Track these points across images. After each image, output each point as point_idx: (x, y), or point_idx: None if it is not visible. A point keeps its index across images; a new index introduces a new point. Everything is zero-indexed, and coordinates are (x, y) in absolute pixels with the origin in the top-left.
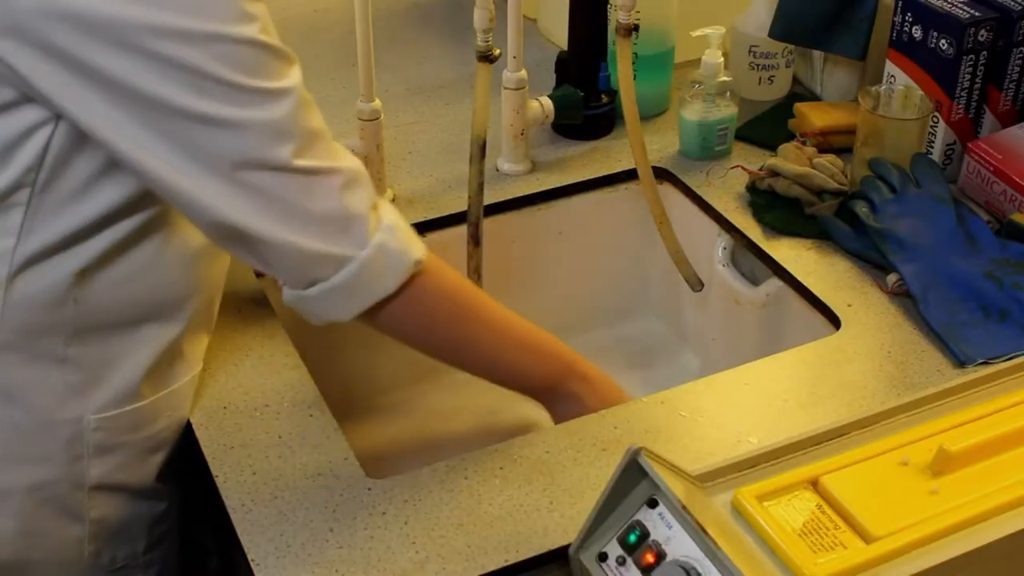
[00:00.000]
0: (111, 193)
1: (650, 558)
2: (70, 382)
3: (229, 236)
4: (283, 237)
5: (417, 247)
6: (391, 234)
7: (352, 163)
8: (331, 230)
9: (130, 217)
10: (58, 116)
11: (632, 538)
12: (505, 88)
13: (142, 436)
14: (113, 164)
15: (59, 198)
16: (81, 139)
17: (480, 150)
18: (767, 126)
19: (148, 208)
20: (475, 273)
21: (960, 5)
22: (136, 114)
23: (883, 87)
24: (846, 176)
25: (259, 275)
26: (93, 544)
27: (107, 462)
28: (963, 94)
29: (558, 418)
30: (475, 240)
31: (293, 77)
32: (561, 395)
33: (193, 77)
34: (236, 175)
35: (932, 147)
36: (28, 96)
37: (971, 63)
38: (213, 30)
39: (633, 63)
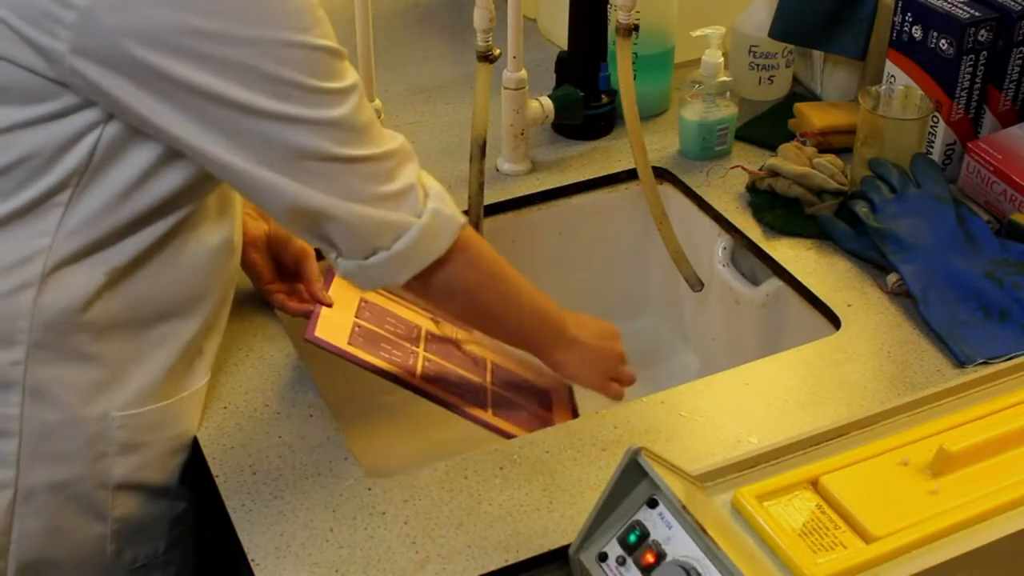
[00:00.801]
0: (146, 196)
1: (650, 558)
2: (96, 379)
3: (299, 218)
4: (350, 213)
5: (457, 211)
6: (441, 200)
7: (400, 142)
8: (392, 204)
9: (163, 219)
10: (107, 119)
11: (632, 538)
12: (505, 88)
13: (164, 436)
14: (151, 168)
15: (97, 201)
16: (124, 143)
17: (480, 150)
18: (767, 126)
19: (180, 210)
20: None
21: (960, 5)
22: (214, 118)
23: (883, 87)
24: (846, 176)
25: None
26: (115, 543)
27: (130, 461)
28: (963, 94)
29: (556, 371)
30: None
31: (351, 75)
32: (551, 362)
33: (270, 83)
34: (306, 165)
35: (932, 147)
36: (90, 101)
37: (971, 63)
38: (287, 38)
39: (633, 63)
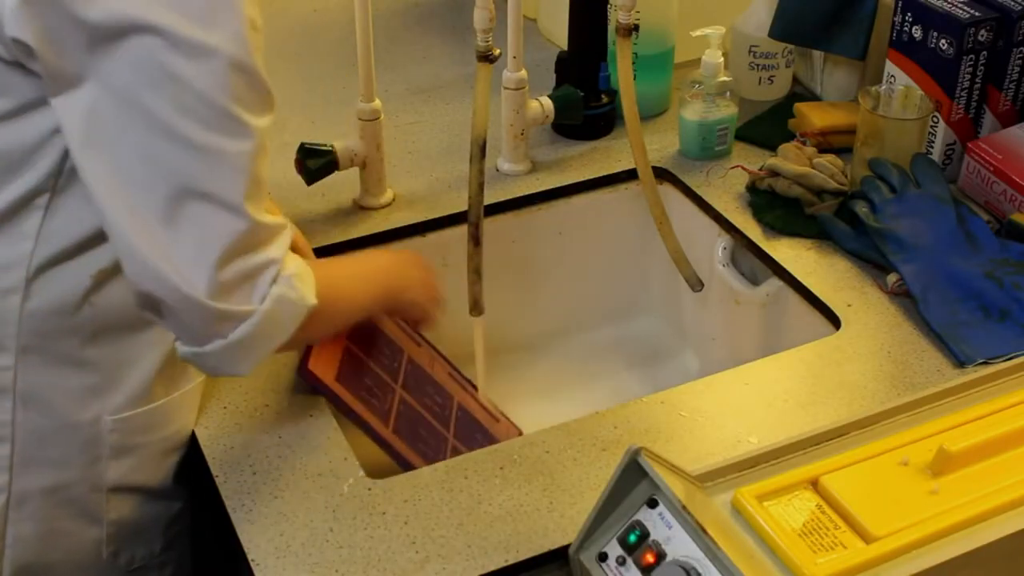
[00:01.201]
0: None
1: (650, 558)
2: (87, 384)
3: (142, 293)
4: (194, 294)
5: (310, 290)
6: (289, 285)
7: (281, 221)
8: (242, 286)
9: None
10: None
11: (632, 538)
12: (505, 88)
13: (158, 437)
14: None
15: (77, 202)
16: None
17: (480, 150)
18: (767, 126)
19: None
20: (475, 273)
21: (960, 5)
22: (105, 105)
23: (883, 87)
24: (846, 176)
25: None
26: (111, 545)
27: (124, 463)
28: (963, 94)
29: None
30: (475, 240)
31: (267, 120)
32: (397, 310)
33: (178, 90)
34: (179, 202)
35: (932, 147)
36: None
37: (971, 63)
38: (213, 45)
39: (633, 63)
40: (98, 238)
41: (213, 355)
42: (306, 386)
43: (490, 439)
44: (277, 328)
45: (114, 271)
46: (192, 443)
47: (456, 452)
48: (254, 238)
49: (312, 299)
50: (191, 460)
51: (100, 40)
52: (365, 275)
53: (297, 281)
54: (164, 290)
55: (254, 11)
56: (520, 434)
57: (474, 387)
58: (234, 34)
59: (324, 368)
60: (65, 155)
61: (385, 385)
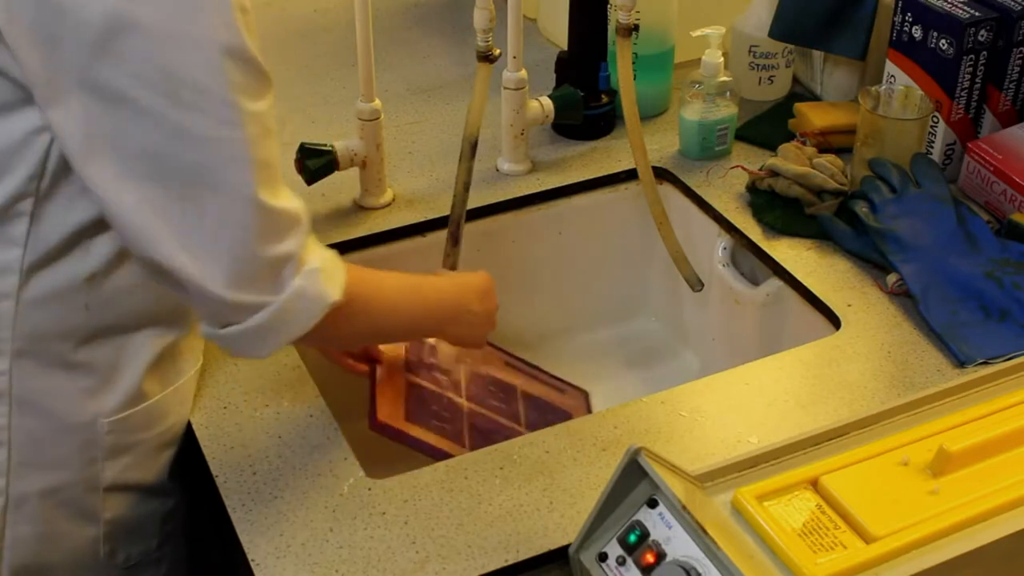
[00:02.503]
0: None
1: (650, 558)
2: (82, 387)
3: (154, 269)
4: (210, 285)
5: (335, 286)
6: (311, 279)
7: (298, 204)
8: (261, 277)
9: None
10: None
11: (632, 538)
12: (505, 88)
13: (154, 433)
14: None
15: (64, 206)
16: None
17: (471, 149)
18: (767, 126)
19: None
20: (451, 271)
21: (960, 5)
22: (100, 110)
23: (883, 87)
24: (846, 176)
25: None
26: (108, 544)
27: (120, 463)
28: (963, 94)
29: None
30: (454, 239)
31: (266, 102)
32: (447, 339)
33: (173, 85)
34: (190, 195)
35: (932, 147)
36: (28, 98)
37: (971, 63)
38: (202, 35)
39: (633, 63)
40: (88, 241)
41: (229, 338)
42: (306, 386)
43: (562, 415)
44: (294, 320)
45: (107, 273)
46: (186, 437)
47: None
48: (271, 225)
49: (335, 296)
50: (185, 455)
51: (89, 43)
52: (416, 289)
53: (322, 276)
54: (183, 281)
55: None
56: (586, 396)
57: (530, 365)
58: (223, 21)
59: (391, 411)
60: (46, 158)
61: (453, 405)
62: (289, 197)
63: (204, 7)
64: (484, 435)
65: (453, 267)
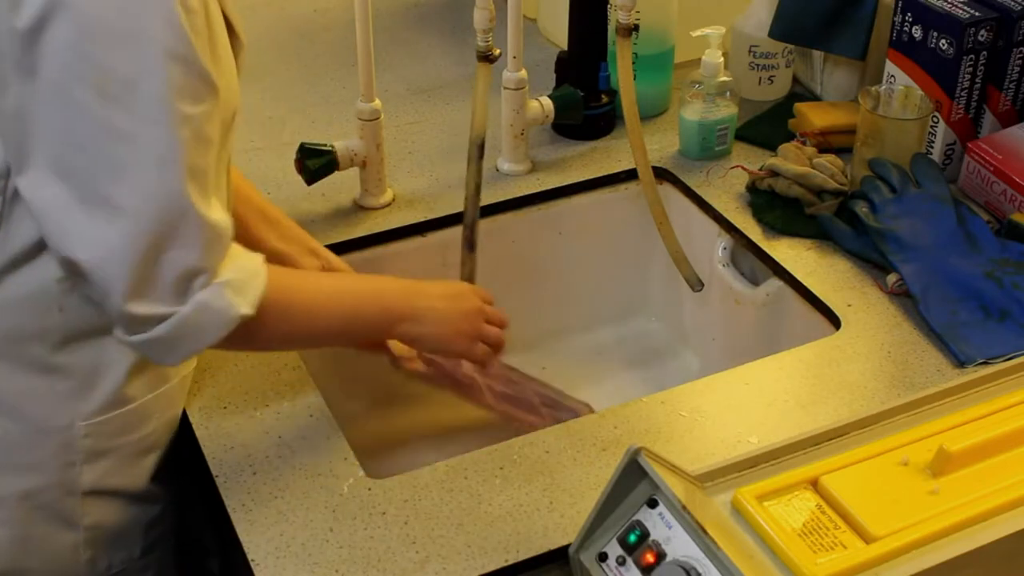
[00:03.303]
0: None
1: (650, 558)
2: (58, 390)
3: (70, 269)
4: (112, 292)
5: (244, 300)
6: (216, 292)
7: (225, 219)
8: (163, 287)
9: None
10: None
11: (632, 538)
12: (505, 88)
13: (134, 438)
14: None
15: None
16: None
17: (478, 151)
18: (767, 126)
19: None
20: (468, 279)
21: (960, 5)
22: (31, 99)
23: (883, 87)
24: (846, 176)
25: None
26: (89, 550)
27: (99, 467)
28: (963, 94)
29: (415, 348)
30: (470, 245)
31: (204, 107)
32: (407, 342)
33: (103, 78)
34: (110, 193)
35: (932, 147)
36: None
37: (971, 63)
38: (141, 32)
39: (633, 63)
40: None
41: (137, 345)
42: (306, 386)
43: (574, 412)
44: (199, 332)
45: None
46: (177, 441)
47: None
48: (189, 235)
49: (244, 310)
50: (175, 460)
51: (28, 28)
52: (353, 290)
53: (229, 290)
54: (90, 282)
55: None
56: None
57: (531, 378)
58: (164, 18)
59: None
60: (7, 162)
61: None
62: (218, 209)
63: (146, 3)
64: (509, 399)
65: (471, 275)
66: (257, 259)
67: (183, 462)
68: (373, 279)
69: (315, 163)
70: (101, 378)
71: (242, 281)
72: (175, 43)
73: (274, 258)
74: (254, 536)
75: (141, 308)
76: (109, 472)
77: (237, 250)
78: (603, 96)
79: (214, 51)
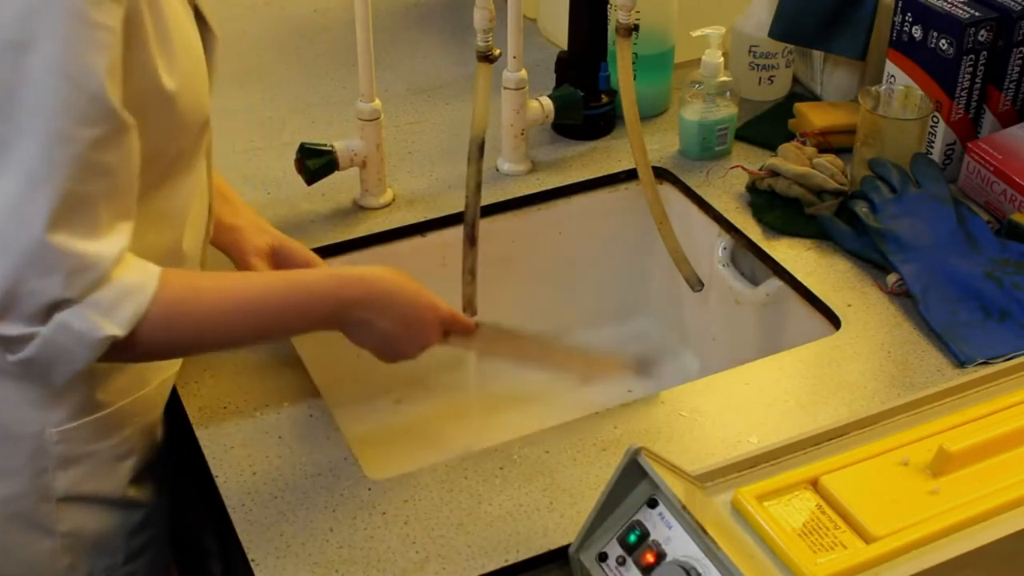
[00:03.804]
0: None
1: (650, 558)
2: (29, 397)
3: None
4: None
5: (112, 322)
6: (78, 314)
7: (102, 249)
8: (21, 309)
9: None
10: None
11: (632, 538)
12: (505, 88)
13: (109, 444)
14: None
15: None
16: None
17: (479, 150)
18: (767, 126)
19: None
20: (470, 274)
21: (960, 5)
22: None
23: (883, 87)
24: (846, 176)
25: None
26: (67, 557)
27: (73, 473)
28: (963, 94)
29: (356, 343)
30: (471, 241)
31: (95, 131)
32: (351, 324)
33: None
34: None
35: (932, 147)
36: None
37: (971, 63)
38: (32, 44)
39: (633, 63)
40: None
41: (17, 365)
42: (306, 385)
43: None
44: (67, 353)
45: None
46: (172, 445)
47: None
48: (49, 264)
49: (112, 331)
50: (166, 464)
51: None
52: (262, 296)
53: (93, 311)
54: None
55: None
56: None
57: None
58: (61, 33)
59: None
60: None
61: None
62: (94, 239)
63: (45, 17)
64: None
65: (472, 269)
66: (141, 276)
67: (182, 463)
68: (291, 277)
69: (315, 163)
70: (71, 384)
71: (111, 302)
72: (67, 60)
73: (229, 233)
74: (254, 536)
75: (5, 329)
76: (84, 478)
77: (123, 268)
78: (603, 96)
79: (166, 54)
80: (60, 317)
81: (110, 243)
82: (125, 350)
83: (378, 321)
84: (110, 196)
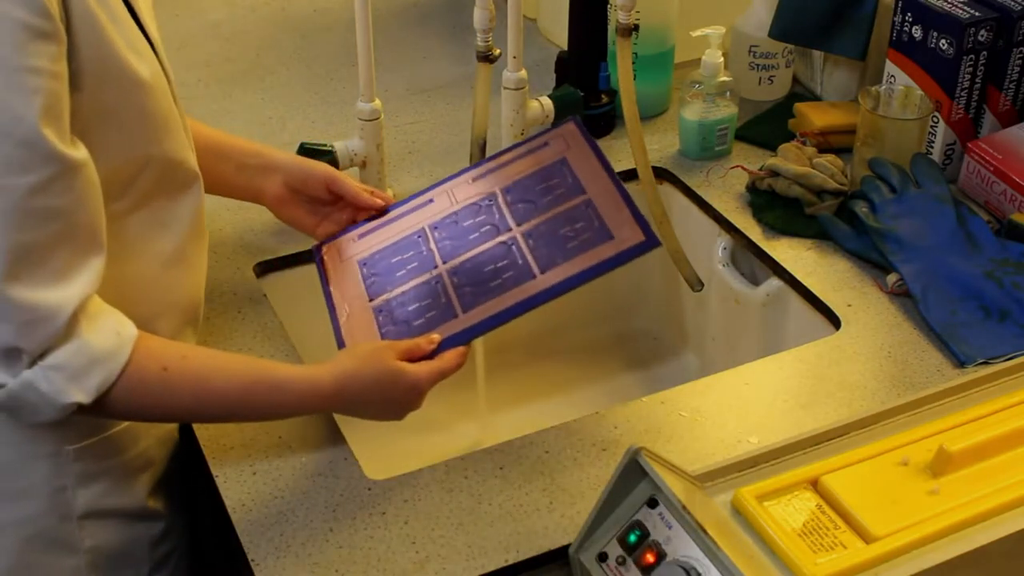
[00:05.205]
0: None
1: (650, 558)
2: None
3: None
4: None
5: (79, 389)
6: (44, 376)
7: (59, 298)
8: None
9: None
10: None
11: (632, 538)
12: (505, 88)
13: (126, 458)
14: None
15: None
16: None
17: (480, 150)
18: (767, 126)
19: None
20: None
21: (960, 5)
22: None
23: (883, 87)
24: (846, 176)
25: (259, 275)
26: (92, 574)
27: (93, 489)
28: (963, 94)
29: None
30: None
31: (30, 178)
32: (342, 411)
33: None
34: None
35: (932, 147)
36: None
37: (971, 63)
38: None
39: (633, 63)
40: None
41: None
42: None
43: (579, 205)
44: (34, 408)
45: None
46: (180, 454)
47: (537, 243)
48: (3, 315)
49: (77, 397)
50: (184, 475)
51: None
52: (286, 380)
53: (59, 375)
54: None
55: (24, 12)
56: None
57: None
58: (2, 81)
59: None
60: None
61: (429, 286)
62: (54, 286)
63: None
64: (472, 286)
65: None
66: (114, 343)
67: (192, 478)
68: (281, 385)
69: None
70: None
71: (79, 368)
72: (5, 109)
73: (238, 191)
74: (254, 536)
75: None
76: (104, 493)
77: (96, 327)
78: (603, 96)
79: (130, 46)
80: (27, 375)
81: (74, 287)
82: (92, 411)
83: (360, 412)
84: (66, 237)
